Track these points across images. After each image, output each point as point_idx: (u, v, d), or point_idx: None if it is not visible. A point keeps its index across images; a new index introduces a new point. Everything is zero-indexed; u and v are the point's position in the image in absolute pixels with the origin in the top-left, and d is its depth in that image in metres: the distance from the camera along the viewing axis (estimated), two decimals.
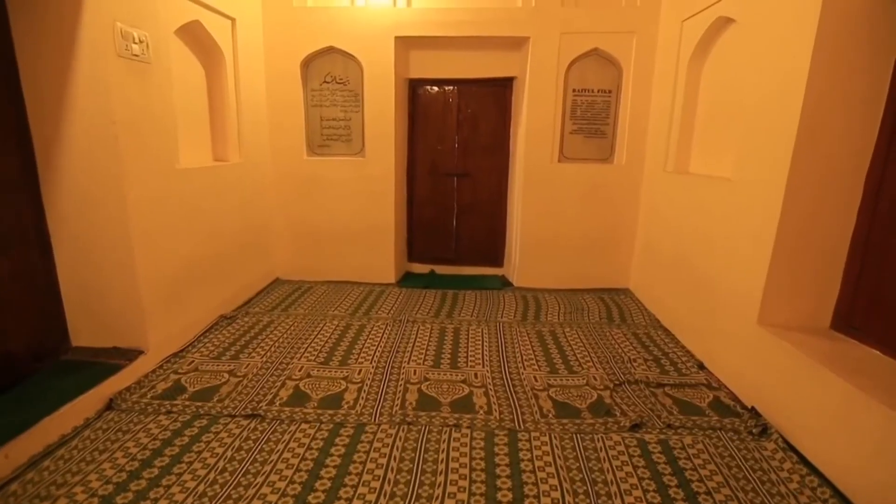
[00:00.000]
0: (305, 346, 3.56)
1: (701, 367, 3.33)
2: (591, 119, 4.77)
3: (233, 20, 4.13)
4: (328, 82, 4.83)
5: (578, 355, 3.49)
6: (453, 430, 2.54)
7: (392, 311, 4.30)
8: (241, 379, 3.04)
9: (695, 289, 3.62)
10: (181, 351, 3.39)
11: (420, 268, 5.55)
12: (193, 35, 3.78)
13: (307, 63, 4.80)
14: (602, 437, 2.50)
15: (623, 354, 3.51)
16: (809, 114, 2.53)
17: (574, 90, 4.71)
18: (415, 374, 3.16)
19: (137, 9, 2.95)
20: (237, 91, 4.25)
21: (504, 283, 5.20)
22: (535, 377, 3.16)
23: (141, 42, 2.98)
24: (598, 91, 4.72)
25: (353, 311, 4.31)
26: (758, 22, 3.01)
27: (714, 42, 3.73)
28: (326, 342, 3.63)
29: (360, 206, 4.97)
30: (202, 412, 2.64)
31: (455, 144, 5.22)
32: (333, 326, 3.93)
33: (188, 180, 3.56)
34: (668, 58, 4.23)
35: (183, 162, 3.53)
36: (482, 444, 2.43)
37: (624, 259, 4.97)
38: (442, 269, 5.50)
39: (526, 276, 5.05)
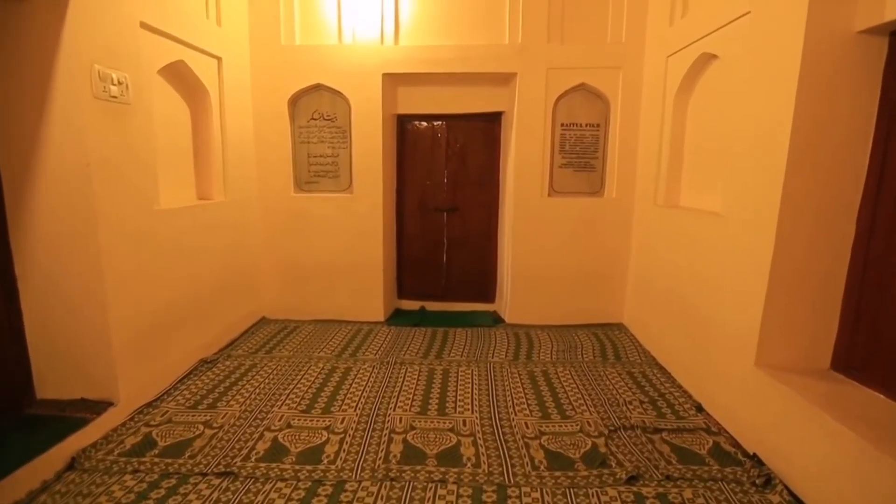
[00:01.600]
0: (288, 391, 3.41)
1: (699, 409, 3.19)
2: (580, 153, 4.75)
3: (219, 59, 4.12)
4: (316, 119, 4.81)
5: (572, 398, 3.36)
6: (439, 485, 2.39)
7: (379, 352, 4.17)
8: (216, 431, 2.88)
9: (689, 325, 3.51)
10: (155, 400, 3.23)
11: (410, 304, 5.42)
12: (178, 74, 3.75)
13: (295, 100, 4.78)
14: (597, 491, 2.36)
15: (618, 396, 3.37)
16: (797, 149, 2.49)
17: (562, 124, 4.71)
18: (400, 422, 3.01)
19: (117, 50, 2.91)
20: (223, 129, 4.21)
21: (496, 319, 5.08)
22: (526, 423, 3.02)
23: (120, 83, 2.93)
24: (587, 125, 4.72)
25: (339, 352, 4.17)
26: (740, 58, 3.01)
27: (699, 77, 3.73)
28: (310, 387, 3.48)
29: (347, 242, 4.89)
30: (172, 470, 2.48)
31: (444, 179, 5.18)
32: (318, 369, 3.79)
33: (169, 221, 3.47)
34: (655, 92, 4.24)
35: (163, 202, 3.45)
36: (469, 501, 2.27)
37: (617, 293, 4.87)
38: (432, 306, 5.38)
39: (518, 313, 4.93)
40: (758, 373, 2.65)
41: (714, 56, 3.45)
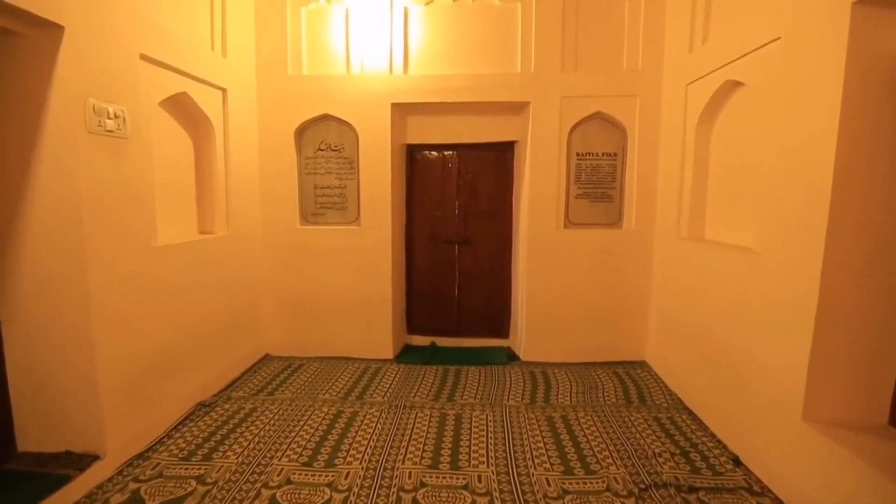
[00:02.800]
0: (289, 440, 3.17)
1: (737, 462, 2.91)
2: (597, 183, 4.56)
3: (223, 90, 4.02)
4: (323, 150, 4.69)
5: (595, 449, 3.09)
6: None
7: (388, 394, 3.93)
8: (209, 487, 2.65)
9: (720, 368, 3.25)
10: (147, 450, 3.01)
11: (420, 340, 5.19)
12: (180, 106, 3.65)
13: (301, 131, 4.67)
14: None
15: (646, 447, 3.10)
16: (843, 181, 2.28)
17: (578, 154, 4.54)
18: (410, 477, 2.76)
19: (114, 83, 2.80)
20: (227, 161, 4.09)
21: (510, 356, 4.82)
22: (547, 480, 2.75)
23: (117, 117, 2.81)
24: (603, 154, 4.54)
25: (345, 393, 3.93)
26: (770, 86, 2.83)
27: (722, 106, 3.56)
28: (313, 435, 3.25)
29: (355, 276, 4.70)
30: None
31: (455, 210, 5.00)
32: (322, 414, 3.55)
33: (166, 258, 3.30)
34: (675, 121, 4.07)
35: (161, 239, 3.30)
36: None
37: (638, 330, 4.61)
38: (443, 342, 5.15)
39: (533, 350, 4.68)
40: (806, 428, 2.39)
41: (739, 83, 3.28)
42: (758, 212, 2.94)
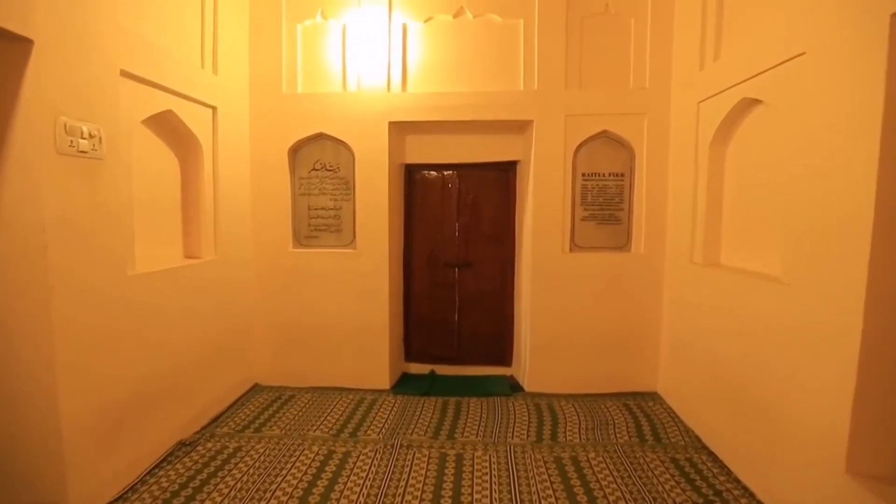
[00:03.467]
0: (274, 487, 2.91)
1: None
2: (604, 204, 4.36)
3: (213, 108, 3.84)
4: (317, 170, 4.49)
5: (610, 496, 2.82)
6: None
7: (384, 431, 3.66)
8: None
9: (743, 406, 3.01)
10: (117, 499, 2.74)
11: (419, 368, 4.94)
12: (166, 125, 3.46)
13: (295, 150, 4.48)
14: None
15: (665, 495, 2.83)
16: (886, 206, 2.06)
17: (583, 174, 4.34)
18: None
19: (90, 101, 2.61)
20: (216, 182, 3.88)
21: (513, 386, 4.57)
22: None
23: (92, 137, 2.60)
24: (610, 175, 4.35)
25: (338, 429, 3.67)
26: (794, 103, 2.63)
27: (738, 124, 3.37)
28: (301, 480, 2.98)
29: (350, 301, 4.47)
30: None
31: (455, 233, 4.79)
32: (312, 454, 3.29)
33: (146, 287, 3.08)
34: (685, 140, 3.88)
35: (140, 266, 3.07)
36: None
37: (649, 358, 4.36)
38: (443, 370, 4.89)
39: (538, 380, 4.42)
40: (851, 483, 2.13)
41: (757, 101, 3.10)
42: (784, 238, 2.72)
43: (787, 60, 2.69)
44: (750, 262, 3.24)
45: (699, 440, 3.49)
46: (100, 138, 2.66)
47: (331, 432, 3.63)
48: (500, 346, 4.89)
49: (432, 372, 4.86)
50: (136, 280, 2.99)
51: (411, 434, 3.61)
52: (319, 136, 4.44)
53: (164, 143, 3.51)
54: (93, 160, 2.63)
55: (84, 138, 2.55)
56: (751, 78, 3.05)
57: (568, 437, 3.56)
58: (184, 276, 3.53)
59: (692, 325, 3.79)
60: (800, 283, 2.55)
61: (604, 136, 4.31)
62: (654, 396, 4.29)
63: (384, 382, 4.50)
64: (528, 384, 4.45)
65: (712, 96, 3.52)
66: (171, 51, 3.33)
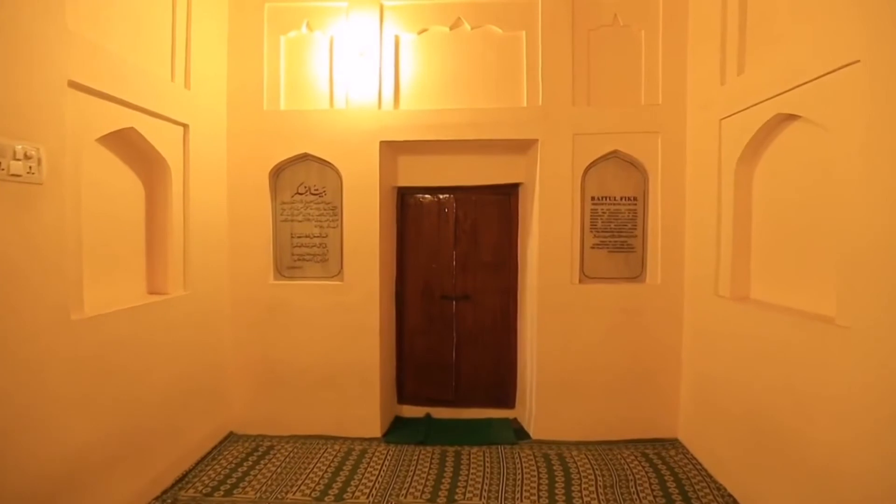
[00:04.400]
0: None
1: None
2: (616, 231, 3.99)
3: (185, 126, 3.45)
4: (301, 193, 4.10)
5: None
6: None
7: (374, 492, 3.20)
8: None
9: (787, 463, 2.61)
10: None
11: (413, 411, 4.48)
12: (128, 143, 3.07)
13: (277, 172, 4.09)
14: None
15: None
16: None
17: (593, 198, 3.99)
18: None
19: (26, 116, 2.22)
20: (186, 207, 3.48)
21: (518, 432, 4.12)
22: None
23: (27, 158, 2.19)
24: (622, 198, 3.99)
25: (321, 491, 3.21)
26: (845, 118, 2.30)
27: (769, 142, 3.04)
28: None
29: (337, 339, 4.03)
30: None
31: (453, 262, 4.40)
32: None
33: (95, 332, 2.64)
34: (706, 160, 3.55)
35: (90, 308, 2.63)
36: None
37: (668, 401, 3.94)
38: (440, 413, 4.43)
39: (546, 425, 3.98)
40: None
41: (794, 117, 2.76)
42: (841, 273, 2.34)
43: (835, 70, 2.35)
44: (788, 298, 2.87)
45: (734, 501, 3.06)
46: (39, 159, 2.25)
47: (313, 494, 3.16)
48: (502, 387, 4.45)
49: (428, 416, 4.40)
50: (83, 325, 2.55)
51: (405, 496, 3.15)
52: (304, 157, 4.05)
53: (125, 165, 3.11)
54: (29, 185, 2.22)
55: (17, 159, 2.14)
56: (785, 92, 2.72)
57: (585, 499, 3.12)
58: (146, 316, 3.09)
59: (719, 366, 3.39)
60: (863, 327, 2.17)
61: (614, 156, 3.97)
62: (674, 444, 3.86)
63: (375, 429, 4.03)
64: (535, 430, 4.01)
65: (737, 113, 3.20)
66: (134, 61, 2.95)
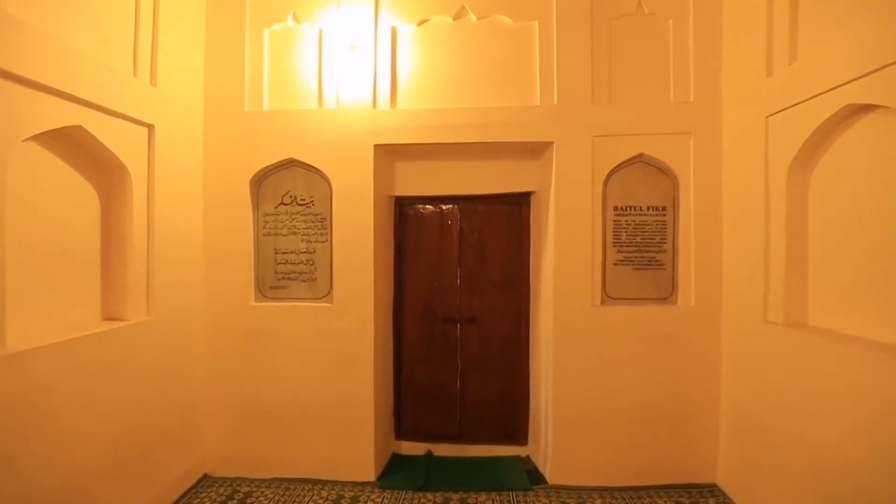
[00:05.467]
0: None
1: None
2: (642, 245, 3.52)
3: (150, 127, 3.02)
4: (286, 204, 3.65)
5: None
6: None
7: None
8: None
9: None
10: None
11: (412, 447, 3.97)
12: (77, 145, 2.64)
13: (259, 180, 3.65)
14: None
15: None
16: None
17: (616, 207, 3.52)
18: None
19: None
20: (151, 219, 3.04)
21: (531, 473, 3.61)
22: None
23: None
24: (648, 208, 3.52)
25: None
26: None
27: (831, 141, 2.57)
28: None
29: (326, 368, 3.55)
30: None
31: (457, 280, 3.93)
32: None
33: (22, 371, 2.17)
34: (748, 164, 3.08)
35: (17, 341, 2.18)
36: None
37: (705, 441, 3.43)
38: (442, 450, 3.92)
39: (564, 467, 3.47)
40: None
41: (866, 109, 2.30)
42: None
43: None
44: (857, 326, 2.38)
45: None
46: None
47: None
48: (512, 421, 3.94)
49: (429, 453, 3.89)
50: (5, 363, 2.08)
51: None
52: (289, 163, 3.62)
53: (73, 170, 2.66)
54: None
55: None
56: (858, 78, 2.26)
57: None
58: (98, 347, 2.64)
59: (768, 403, 2.89)
60: None
61: (640, 160, 3.51)
62: (713, 491, 3.34)
63: (368, 472, 3.53)
64: (552, 473, 3.50)
65: (789, 108, 2.75)
66: (84, 50, 2.53)
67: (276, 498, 3.31)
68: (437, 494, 3.35)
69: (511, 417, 3.94)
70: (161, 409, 3.12)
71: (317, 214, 3.63)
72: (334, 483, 3.50)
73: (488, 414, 3.95)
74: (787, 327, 2.77)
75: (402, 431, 3.99)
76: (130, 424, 2.85)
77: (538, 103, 3.51)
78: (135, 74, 2.92)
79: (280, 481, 3.52)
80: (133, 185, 2.90)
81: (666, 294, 3.52)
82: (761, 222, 2.95)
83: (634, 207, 3.53)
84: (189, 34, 3.41)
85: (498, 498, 3.30)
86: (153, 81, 3.05)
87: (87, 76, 2.52)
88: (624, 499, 3.27)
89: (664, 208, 3.52)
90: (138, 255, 2.95)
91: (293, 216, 3.65)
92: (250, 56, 3.60)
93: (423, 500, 3.30)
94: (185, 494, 3.33)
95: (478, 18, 3.55)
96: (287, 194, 3.65)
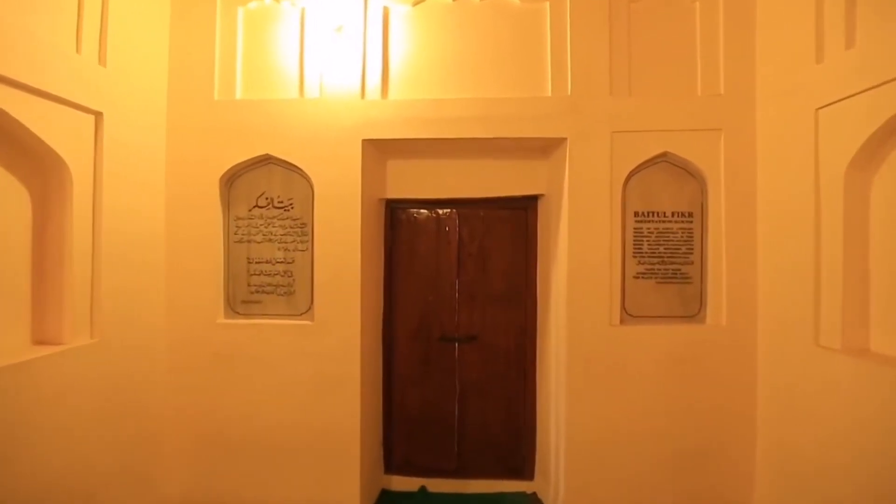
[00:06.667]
0: None
1: None
2: (666, 256, 3.13)
3: (97, 115, 2.56)
4: (262, 206, 3.21)
5: None
6: None
7: None
8: None
9: None
10: None
11: (404, 482, 3.53)
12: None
13: (231, 179, 3.22)
14: None
15: None
16: None
17: (637, 213, 3.13)
18: None
19: None
20: (97, 223, 2.59)
21: None
22: None
23: None
24: (673, 214, 3.13)
25: None
26: None
27: None
28: None
29: (306, 395, 3.11)
30: None
31: (455, 294, 3.52)
32: None
33: None
34: (792, 164, 2.71)
35: None
36: None
37: (738, 476, 3.01)
38: (438, 485, 3.50)
39: None
40: None
41: None
42: None
43: None
44: None
45: None
46: None
47: None
48: (517, 453, 3.52)
49: (423, 490, 3.47)
50: None
51: None
52: (265, 160, 3.18)
53: None
54: None
55: None
56: None
57: None
58: (24, 378, 2.16)
59: (818, 438, 2.50)
60: None
61: (664, 160, 3.12)
62: None
63: None
64: None
65: (845, 98, 2.37)
66: (11, 19, 2.06)
67: None
68: None
69: (516, 449, 3.52)
70: (109, 447, 2.65)
71: (296, 219, 3.19)
72: None
73: (490, 445, 3.52)
74: (844, 353, 2.37)
75: (392, 465, 3.54)
76: (67, 469, 2.37)
77: (549, 94, 3.10)
78: (78, 51, 2.46)
79: None
80: (74, 184, 2.43)
81: (693, 311, 3.12)
82: (810, 232, 2.56)
83: (657, 213, 3.13)
84: (150, 9, 2.98)
85: None
86: (102, 61, 2.60)
87: (12, 48, 2.07)
88: None
89: (691, 214, 3.13)
90: (79, 266, 2.49)
91: (269, 221, 3.20)
92: (222, 37, 3.17)
93: None
94: None
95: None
96: (262, 195, 3.21)
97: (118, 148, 2.68)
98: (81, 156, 2.49)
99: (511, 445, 3.51)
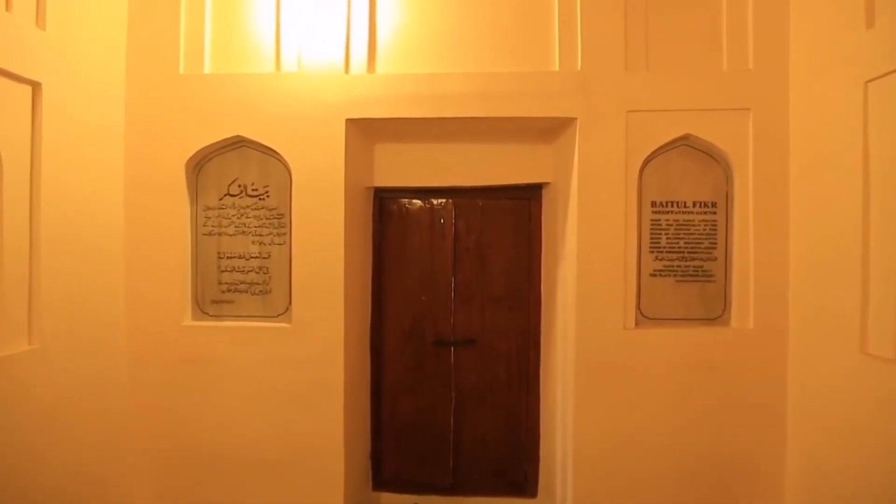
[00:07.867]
0: None
1: None
2: (686, 251, 2.82)
3: (35, 85, 2.21)
4: (234, 195, 2.88)
5: None
6: None
7: None
8: None
9: None
10: None
11: (394, 500, 3.25)
12: None
13: (199, 163, 2.88)
14: None
15: None
16: None
17: (654, 203, 2.82)
18: None
19: None
20: (35, 212, 2.24)
21: None
22: None
23: None
24: (695, 204, 2.82)
25: None
26: None
27: None
28: None
29: (284, 406, 2.80)
30: None
31: (451, 293, 3.21)
32: None
33: None
34: (834, 147, 2.37)
35: None
36: None
37: (765, 497, 2.72)
38: (432, 503, 3.18)
39: None
40: None
41: None
42: None
43: None
44: None
45: None
46: None
47: None
48: (519, 467, 3.23)
49: None
50: None
51: None
52: (238, 143, 2.86)
53: None
54: None
55: None
56: None
57: None
58: None
59: (864, 457, 2.19)
60: None
61: (685, 143, 2.80)
62: None
63: None
64: None
65: None
66: None
67: None
68: None
69: (517, 463, 3.22)
70: (53, 470, 2.30)
71: (272, 209, 2.86)
72: None
73: (489, 458, 3.23)
74: None
75: (381, 481, 3.25)
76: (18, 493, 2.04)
77: (557, 69, 2.77)
78: (7, 9, 2.10)
79: None
80: (3, 165, 2.08)
81: (716, 313, 2.81)
82: (857, 225, 2.23)
83: (677, 203, 2.82)
84: None
85: None
86: (40, 23, 2.24)
87: None
88: None
89: (714, 204, 2.82)
90: (11, 260, 2.13)
91: (242, 211, 2.87)
92: (189, 3, 2.79)
93: None
94: None
95: None
96: (234, 183, 2.88)
97: (62, 123, 2.33)
98: (14, 132, 2.14)
99: (512, 459, 3.22)
